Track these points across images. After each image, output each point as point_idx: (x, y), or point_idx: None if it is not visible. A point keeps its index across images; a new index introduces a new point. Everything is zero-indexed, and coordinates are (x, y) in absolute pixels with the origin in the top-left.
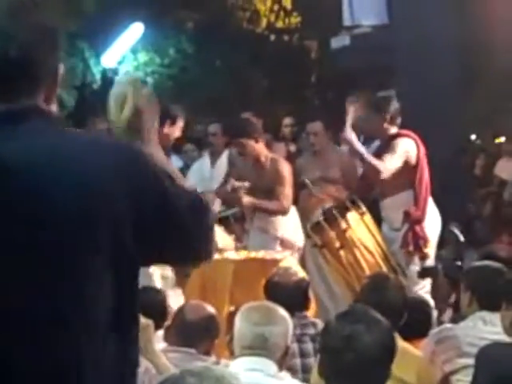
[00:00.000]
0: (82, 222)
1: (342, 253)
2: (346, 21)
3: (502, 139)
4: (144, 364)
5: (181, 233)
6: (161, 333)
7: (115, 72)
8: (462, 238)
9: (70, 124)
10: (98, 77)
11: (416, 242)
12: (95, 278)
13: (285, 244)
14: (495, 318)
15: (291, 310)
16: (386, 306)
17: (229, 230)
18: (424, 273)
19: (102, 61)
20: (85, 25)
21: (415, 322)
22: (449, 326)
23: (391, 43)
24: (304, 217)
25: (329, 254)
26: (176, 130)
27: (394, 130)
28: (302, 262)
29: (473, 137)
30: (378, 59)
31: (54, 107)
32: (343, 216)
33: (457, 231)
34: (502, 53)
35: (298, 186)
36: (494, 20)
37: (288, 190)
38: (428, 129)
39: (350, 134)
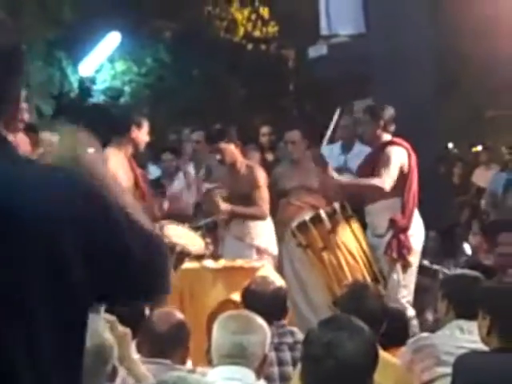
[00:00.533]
0: (25, 246)
1: (324, 254)
2: (324, 30)
3: (479, 148)
4: (121, 374)
5: (133, 269)
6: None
7: (92, 81)
8: (469, 252)
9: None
10: (75, 86)
11: (400, 249)
12: (38, 304)
13: (260, 252)
14: (472, 326)
15: (269, 319)
16: (364, 315)
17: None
18: (422, 271)
19: (79, 70)
20: (62, 34)
21: (392, 331)
22: (426, 334)
23: (368, 53)
24: (282, 225)
25: (312, 255)
26: (143, 135)
27: (387, 137)
28: (278, 270)
29: (450, 145)
30: (356, 68)
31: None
32: (330, 218)
33: (467, 246)
34: (477, 62)
35: (277, 194)
36: (470, 30)
37: (265, 195)
38: (405, 138)
39: (336, 178)
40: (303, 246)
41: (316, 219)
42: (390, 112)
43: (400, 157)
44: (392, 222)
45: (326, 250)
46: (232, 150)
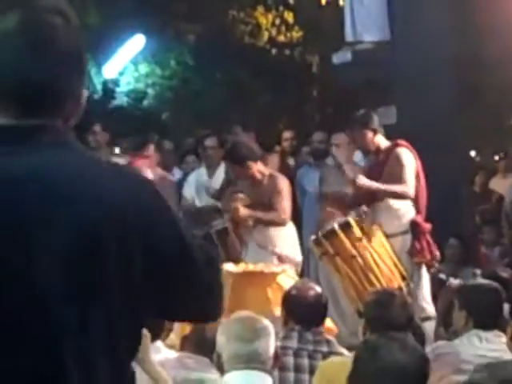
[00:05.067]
0: (86, 242)
1: (355, 261)
2: (348, 36)
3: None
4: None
5: (196, 281)
6: (159, 343)
7: (116, 83)
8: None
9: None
10: (99, 87)
11: (431, 251)
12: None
13: (283, 260)
14: (490, 335)
15: (308, 325)
16: (389, 323)
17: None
18: (439, 282)
19: (103, 72)
20: (87, 36)
21: None
22: (443, 342)
23: (392, 60)
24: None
25: (342, 263)
26: None
27: (383, 140)
28: (301, 276)
29: (472, 154)
30: (380, 75)
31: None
32: (357, 224)
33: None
34: (502, 69)
35: (320, 197)
36: (493, 39)
37: (285, 203)
38: (428, 145)
39: (362, 179)
40: (330, 255)
41: (345, 226)
42: (375, 116)
43: (410, 158)
44: (414, 224)
45: (357, 257)
46: (253, 168)
